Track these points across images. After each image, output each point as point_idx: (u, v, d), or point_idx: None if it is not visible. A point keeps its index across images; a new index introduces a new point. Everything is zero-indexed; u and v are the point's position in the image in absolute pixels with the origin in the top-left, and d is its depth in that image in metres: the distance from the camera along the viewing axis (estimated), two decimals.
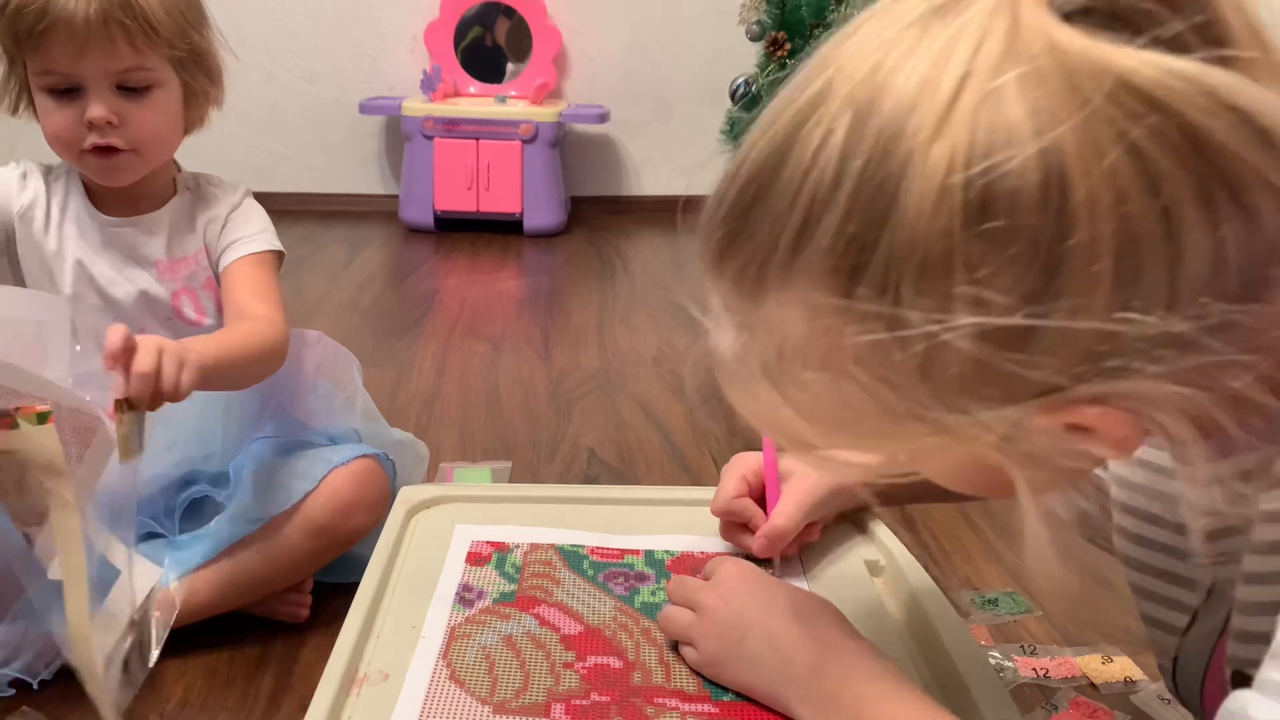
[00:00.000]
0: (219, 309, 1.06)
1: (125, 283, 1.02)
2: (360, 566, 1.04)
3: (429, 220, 2.77)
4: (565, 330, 2.05)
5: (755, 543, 0.71)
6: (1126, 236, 0.36)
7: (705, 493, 0.78)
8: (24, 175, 1.02)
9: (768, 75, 2.08)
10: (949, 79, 0.37)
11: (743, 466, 0.75)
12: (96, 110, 0.93)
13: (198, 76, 1.01)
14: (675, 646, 0.64)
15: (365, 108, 2.82)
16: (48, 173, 1.03)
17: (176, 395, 0.80)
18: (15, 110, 0.99)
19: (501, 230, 2.79)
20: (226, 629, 0.98)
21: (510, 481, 1.33)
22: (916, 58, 0.38)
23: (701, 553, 0.75)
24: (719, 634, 0.60)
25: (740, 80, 2.17)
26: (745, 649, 0.58)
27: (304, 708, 0.89)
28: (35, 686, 0.89)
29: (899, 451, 0.45)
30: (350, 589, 1.05)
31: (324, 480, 0.98)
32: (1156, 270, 0.36)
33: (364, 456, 1.01)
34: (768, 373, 0.44)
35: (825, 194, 0.39)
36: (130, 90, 0.95)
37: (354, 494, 0.99)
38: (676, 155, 2.95)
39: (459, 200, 2.75)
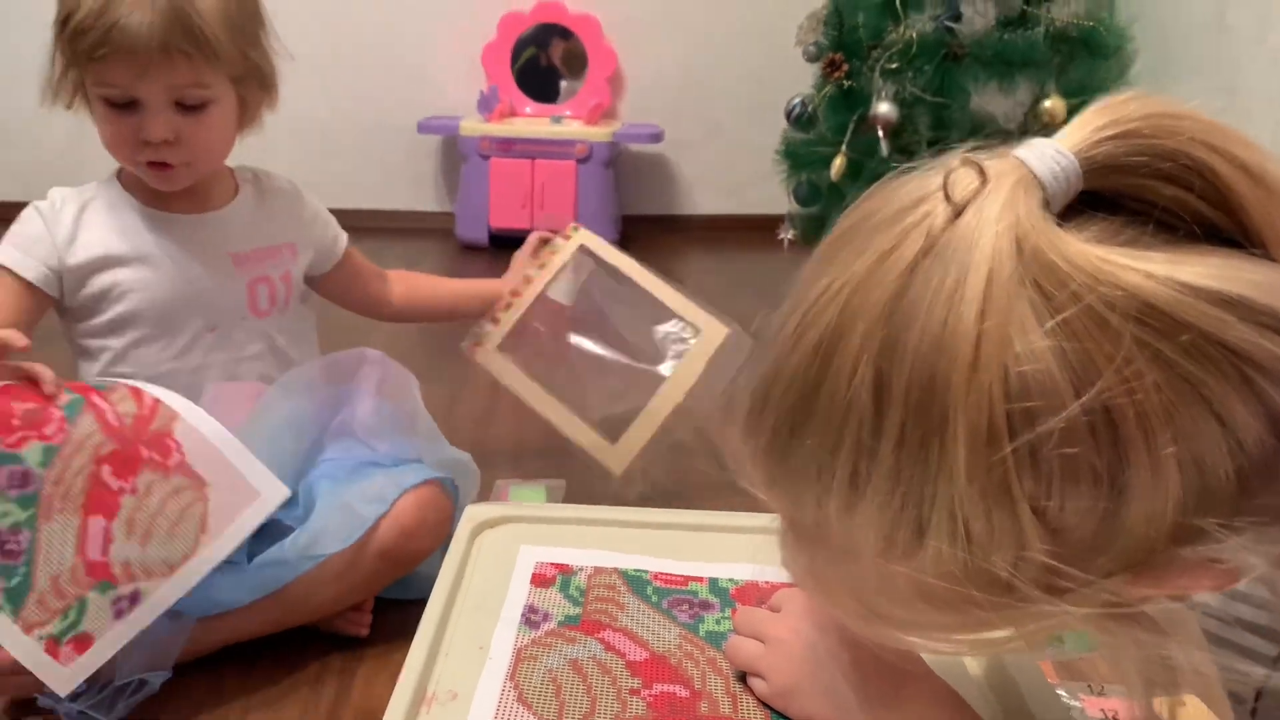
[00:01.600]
0: (287, 301, 1.11)
1: (198, 276, 1.03)
2: (418, 584, 1.06)
3: (483, 237, 2.80)
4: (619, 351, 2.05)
5: None
6: (1185, 446, 0.36)
7: (771, 520, 0.77)
8: (55, 209, 1.02)
9: (824, 96, 2.08)
10: (966, 329, 0.36)
11: None
12: (154, 131, 0.95)
13: (253, 89, 1.03)
14: (742, 677, 0.64)
15: (423, 127, 2.86)
16: (80, 195, 1.04)
17: None
18: (70, 105, 1.00)
19: None
20: (288, 642, 0.99)
21: (565, 500, 1.34)
22: (929, 307, 0.37)
23: (766, 582, 0.75)
24: (789, 666, 0.60)
25: (796, 100, 2.17)
26: (816, 682, 0.58)
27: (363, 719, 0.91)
28: None
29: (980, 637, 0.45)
30: (407, 605, 1.07)
31: (393, 504, 0.98)
32: (1222, 463, 0.37)
33: (430, 481, 1.01)
34: (837, 581, 0.45)
35: (869, 444, 0.39)
36: (187, 107, 0.97)
37: (419, 518, 0.99)
38: (729, 175, 2.97)
39: (513, 218, 2.77)
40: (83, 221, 1.02)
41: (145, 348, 1.03)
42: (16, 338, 0.84)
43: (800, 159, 2.11)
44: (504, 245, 2.89)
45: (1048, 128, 1.89)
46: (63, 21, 0.94)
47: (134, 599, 0.84)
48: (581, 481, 1.42)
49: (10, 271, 0.99)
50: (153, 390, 0.89)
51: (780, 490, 0.44)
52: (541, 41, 2.98)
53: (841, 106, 2.02)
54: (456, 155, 2.87)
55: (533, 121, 2.87)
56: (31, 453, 0.81)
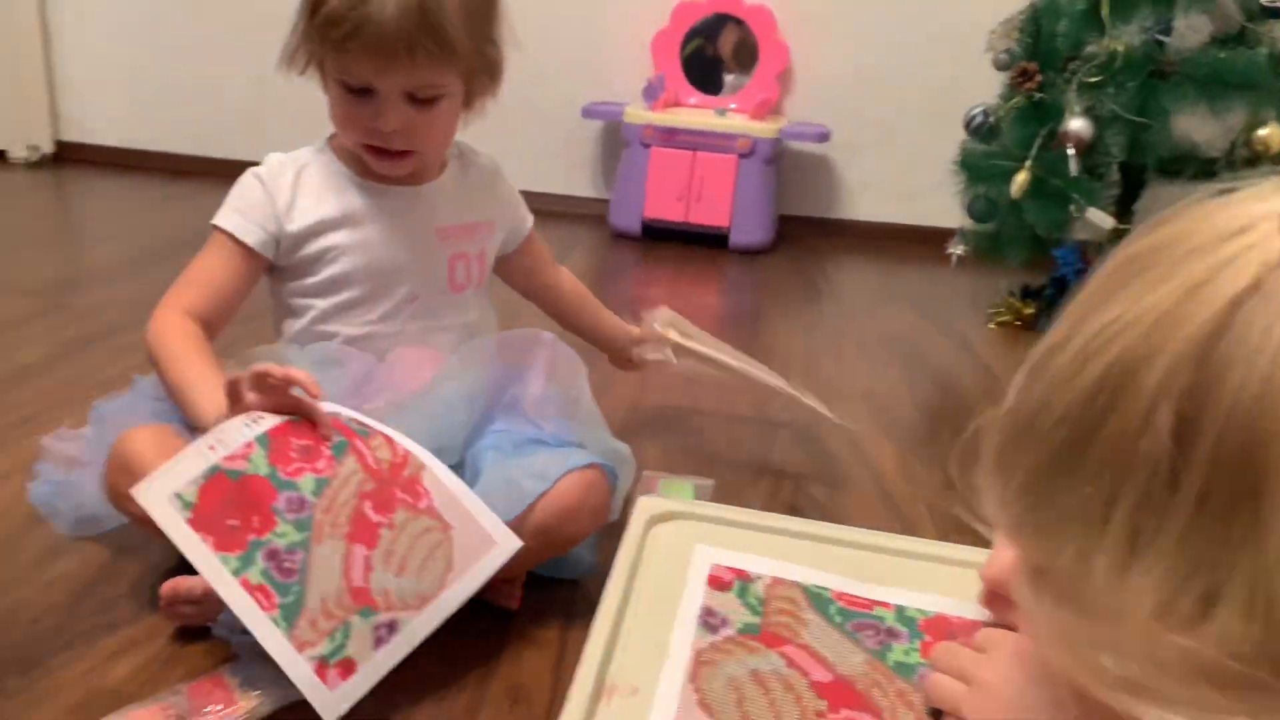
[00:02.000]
0: (480, 280, 1.13)
1: (402, 250, 1.05)
2: (569, 564, 1.06)
3: (636, 227, 2.80)
4: (768, 353, 2.01)
5: None
6: None
7: (965, 552, 0.74)
8: (273, 175, 1.04)
9: (1010, 107, 1.99)
10: None
11: None
12: (387, 122, 0.97)
13: (482, 81, 1.04)
14: (936, 715, 0.60)
15: (588, 112, 2.87)
16: (296, 161, 1.06)
17: None
18: (302, 71, 1.03)
19: (706, 243, 2.79)
20: None
21: (713, 500, 1.31)
22: (1254, 352, 0.33)
23: (959, 617, 0.70)
24: (996, 713, 0.56)
25: (979, 109, 2.08)
26: None
27: (510, 693, 0.90)
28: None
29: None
30: (556, 583, 1.06)
31: (555, 483, 0.98)
32: None
33: (593, 465, 1.01)
34: (1087, 639, 0.40)
35: (1160, 498, 0.34)
36: (419, 100, 0.98)
37: (579, 500, 0.99)
38: (897, 182, 2.88)
39: (668, 210, 2.76)
40: (300, 188, 1.04)
41: (351, 310, 1.06)
42: (313, 385, 0.88)
43: (979, 171, 2.01)
44: (656, 237, 2.89)
45: (1260, 158, 1.76)
46: (313, 6, 0.96)
47: (391, 628, 0.87)
48: (729, 483, 1.40)
49: (232, 236, 1.02)
50: (403, 441, 0.93)
51: (1031, 535, 0.40)
52: (710, 33, 2.95)
53: (1030, 119, 1.92)
54: (618, 142, 2.88)
55: (697, 112, 2.84)
56: (305, 482, 0.87)
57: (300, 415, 0.90)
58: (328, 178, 1.05)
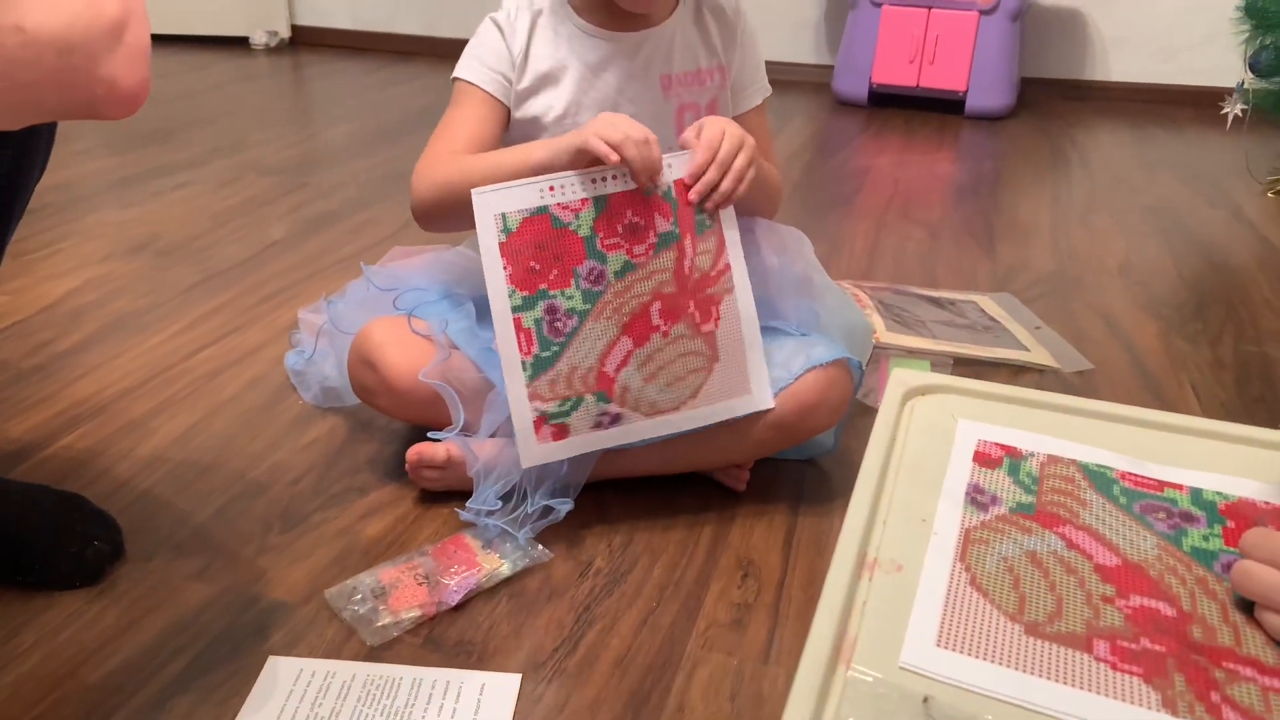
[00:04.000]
0: None
1: (626, 103, 1.02)
2: (807, 445, 1.02)
3: (863, 94, 2.65)
4: (1011, 224, 1.88)
5: None
6: None
7: (1270, 434, 0.65)
8: (510, 20, 1.02)
9: None
10: None
11: None
12: None
13: None
14: (1247, 607, 0.53)
15: None
16: (531, 6, 1.02)
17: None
18: None
19: (939, 109, 2.61)
20: (668, 481, 1.01)
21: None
22: None
23: (1265, 503, 0.63)
24: None
25: None
26: None
27: (740, 567, 0.89)
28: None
29: None
30: (782, 464, 1.04)
31: (797, 378, 0.95)
32: None
33: (837, 361, 0.97)
34: None
35: None
36: None
37: (821, 396, 0.96)
38: (1160, 36, 2.57)
39: (898, 74, 2.59)
40: (535, 34, 1.02)
41: None
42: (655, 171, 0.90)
43: (1268, 17, 1.76)
44: (884, 103, 2.73)
45: None
46: None
47: (615, 420, 0.92)
48: (960, 372, 1.32)
49: (473, 85, 1.01)
50: (731, 255, 0.94)
51: None
52: None
53: None
54: (844, 3, 2.71)
55: None
56: (615, 260, 0.91)
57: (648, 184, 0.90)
58: (558, 28, 1.02)
